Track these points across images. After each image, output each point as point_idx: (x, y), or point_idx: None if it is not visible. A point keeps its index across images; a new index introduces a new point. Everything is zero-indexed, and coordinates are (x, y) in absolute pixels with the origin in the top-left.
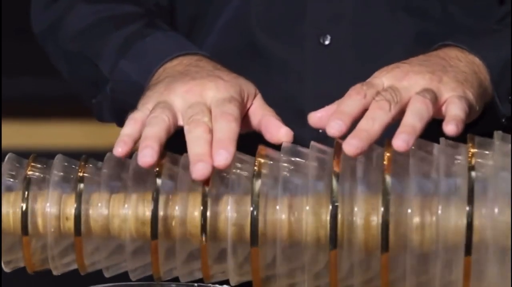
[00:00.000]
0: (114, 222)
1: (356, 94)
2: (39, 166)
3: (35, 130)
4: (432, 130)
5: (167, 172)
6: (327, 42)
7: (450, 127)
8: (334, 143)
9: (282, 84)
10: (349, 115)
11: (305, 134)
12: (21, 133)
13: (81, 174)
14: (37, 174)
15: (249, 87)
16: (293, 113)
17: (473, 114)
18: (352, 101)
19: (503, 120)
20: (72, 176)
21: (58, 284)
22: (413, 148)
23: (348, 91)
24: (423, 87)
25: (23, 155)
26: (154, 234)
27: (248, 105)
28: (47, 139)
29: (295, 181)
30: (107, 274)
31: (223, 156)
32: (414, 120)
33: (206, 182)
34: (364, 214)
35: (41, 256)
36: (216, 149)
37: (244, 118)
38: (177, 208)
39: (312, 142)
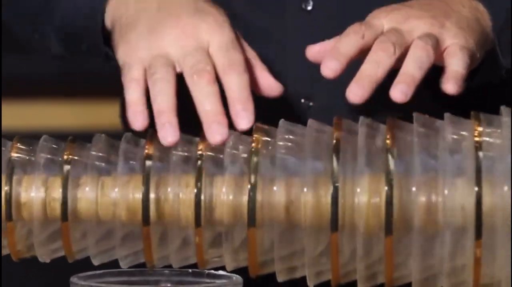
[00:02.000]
0: (103, 206)
1: (354, 33)
2: (24, 147)
3: (19, 111)
4: (436, 105)
5: (157, 153)
6: (309, 8)
7: (449, 87)
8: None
9: (262, 53)
10: (345, 56)
11: (285, 107)
12: (5, 114)
13: (68, 156)
14: (21, 156)
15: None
16: None
17: (473, 62)
18: (349, 40)
19: (503, 73)
20: (59, 158)
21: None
22: (417, 124)
23: (346, 30)
24: (424, 31)
25: (7, 136)
26: (146, 218)
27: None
28: (33, 120)
29: (293, 160)
30: (95, 262)
31: (247, 118)
32: (413, 68)
33: (199, 158)
34: (366, 195)
35: (27, 243)
36: (237, 110)
37: None
38: (169, 190)
39: (310, 120)
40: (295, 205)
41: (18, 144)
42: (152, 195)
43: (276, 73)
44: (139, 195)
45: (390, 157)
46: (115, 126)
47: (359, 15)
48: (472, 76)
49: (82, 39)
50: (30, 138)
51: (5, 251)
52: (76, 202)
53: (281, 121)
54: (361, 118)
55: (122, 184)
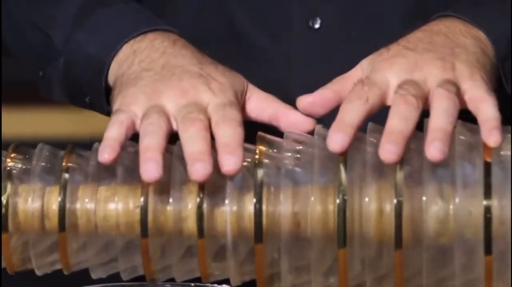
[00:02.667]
0: (102, 216)
1: (357, 98)
2: (21, 156)
3: (16, 118)
4: None
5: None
6: (317, 26)
7: (494, 138)
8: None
9: (267, 74)
10: (352, 126)
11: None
12: (17, 116)
13: (66, 165)
14: (18, 165)
15: (239, 83)
16: None
17: None
18: (353, 107)
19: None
20: (56, 167)
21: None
22: (427, 132)
23: (348, 95)
24: (439, 78)
25: (3, 144)
26: (145, 230)
27: (242, 101)
28: (30, 127)
29: (299, 170)
30: (94, 275)
31: (232, 160)
32: (444, 123)
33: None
34: (375, 206)
35: (22, 255)
36: (223, 154)
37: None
38: (170, 200)
39: (317, 127)
40: (301, 217)
41: (14, 152)
42: (151, 205)
43: (280, 96)
44: (138, 206)
45: (399, 166)
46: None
47: (369, 35)
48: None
49: (85, 92)
50: (26, 146)
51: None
52: (75, 213)
53: (287, 131)
54: (370, 125)
55: (122, 194)
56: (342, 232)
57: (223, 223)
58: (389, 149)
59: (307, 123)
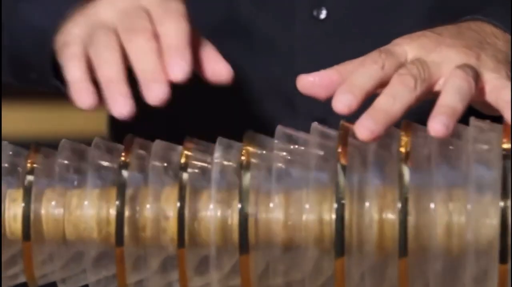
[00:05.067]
0: (71, 223)
1: (372, 63)
2: None
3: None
4: None
5: (135, 161)
6: (322, 16)
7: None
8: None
9: (268, 67)
10: (362, 89)
11: (296, 127)
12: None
13: (30, 165)
14: None
15: None
16: (281, 102)
17: None
18: (367, 71)
19: None
20: (19, 168)
21: None
22: None
23: (362, 58)
24: (458, 63)
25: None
26: (120, 238)
27: None
28: (19, 125)
29: (292, 173)
30: None
31: (180, 66)
32: (454, 100)
33: (183, 167)
34: (377, 212)
35: None
36: (170, 58)
37: None
38: (148, 206)
39: (314, 124)
40: (294, 225)
41: None
42: (127, 211)
43: (282, 90)
44: (112, 211)
45: (405, 167)
46: (85, 131)
47: (380, 29)
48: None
49: (30, 67)
50: None
51: None
52: (40, 219)
53: (279, 127)
54: None
55: (93, 198)
56: (340, 241)
57: (206, 231)
58: (366, 124)
59: (224, 73)
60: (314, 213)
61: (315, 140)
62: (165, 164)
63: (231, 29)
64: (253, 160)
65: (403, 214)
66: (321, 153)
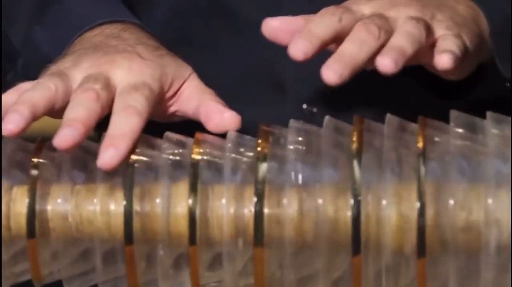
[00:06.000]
0: (78, 220)
1: (330, 15)
2: None
3: None
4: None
5: (143, 158)
6: None
7: (443, 58)
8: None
9: (256, 50)
10: (319, 38)
11: (285, 113)
12: None
13: (36, 160)
14: None
15: (176, 69)
16: (270, 87)
17: (466, 66)
18: (324, 21)
19: (508, 84)
20: (25, 163)
21: None
22: (454, 124)
23: (319, 12)
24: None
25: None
26: (129, 236)
27: (172, 91)
28: None
29: (307, 167)
30: None
31: (109, 154)
32: (404, 41)
33: (194, 162)
34: (394, 208)
35: None
36: (104, 145)
37: (173, 105)
38: (157, 201)
39: (328, 118)
40: (308, 220)
41: None
42: (136, 208)
43: (271, 75)
44: (120, 208)
45: (422, 163)
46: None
47: None
48: (467, 91)
49: None
50: None
51: None
52: (46, 216)
53: (292, 121)
54: (388, 116)
55: (102, 194)
56: (356, 237)
57: (218, 227)
58: (333, 67)
59: (230, 121)
60: (328, 208)
61: (329, 135)
62: (176, 158)
63: (217, 10)
64: (268, 153)
65: (421, 211)
66: (337, 147)
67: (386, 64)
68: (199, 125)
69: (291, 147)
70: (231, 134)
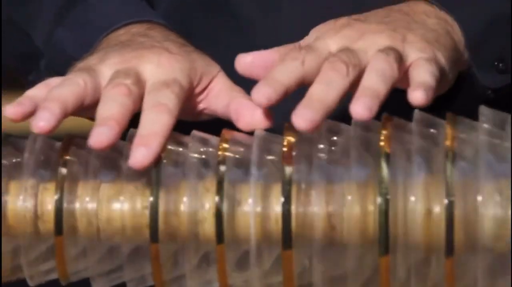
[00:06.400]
0: (105, 218)
1: (292, 59)
2: (10, 148)
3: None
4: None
5: (170, 155)
6: None
7: (417, 94)
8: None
9: (252, 47)
10: (282, 84)
11: (281, 109)
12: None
13: (63, 158)
14: (7, 158)
15: (204, 66)
16: None
17: (444, 83)
18: (285, 66)
19: (489, 92)
20: (52, 161)
21: None
22: (483, 120)
23: (283, 54)
24: (383, 46)
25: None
26: (155, 235)
27: (201, 88)
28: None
29: (334, 165)
30: (96, 286)
31: (141, 153)
32: (376, 82)
33: (221, 160)
34: (422, 206)
35: (13, 262)
36: (135, 144)
37: (202, 103)
38: (184, 200)
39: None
40: (336, 219)
41: (4, 145)
42: (163, 206)
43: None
44: (147, 205)
45: (450, 159)
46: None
47: (369, 9)
48: (448, 102)
49: None
50: (16, 137)
51: None
52: (73, 213)
53: None
54: (416, 113)
55: (128, 192)
56: (384, 237)
57: (245, 226)
58: (303, 114)
59: (262, 120)
60: (356, 206)
61: (357, 132)
62: (203, 157)
63: (217, 9)
64: (294, 152)
65: (449, 209)
66: (364, 145)
67: (359, 112)
68: (219, 126)
69: (319, 145)
70: (259, 133)
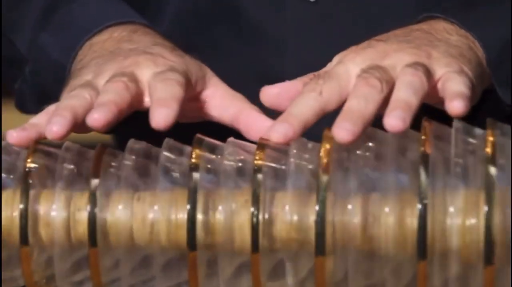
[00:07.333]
0: (140, 228)
1: (308, 91)
2: (43, 156)
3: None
4: None
5: (205, 163)
6: None
7: (455, 104)
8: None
9: (257, 54)
10: (300, 119)
11: None
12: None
13: (96, 167)
14: (40, 166)
15: (198, 70)
16: None
17: (473, 98)
18: (303, 100)
19: (508, 110)
20: (85, 170)
21: None
22: None
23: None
24: (410, 62)
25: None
26: (192, 243)
27: (196, 91)
28: None
29: (371, 173)
30: None
31: (163, 112)
32: (407, 94)
33: (257, 168)
34: (461, 215)
35: (46, 273)
36: (154, 107)
37: (198, 108)
38: (220, 208)
39: None
40: (374, 228)
41: (36, 152)
42: (199, 215)
43: (273, 76)
44: (183, 215)
45: (491, 168)
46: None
47: (374, 12)
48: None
49: (51, 95)
50: (49, 145)
51: (18, 283)
52: (107, 223)
53: None
54: (455, 121)
55: (163, 201)
56: (422, 244)
57: (281, 235)
58: (344, 126)
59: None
60: (394, 215)
61: (394, 140)
62: (239, 164)
63: (219, 14)
64: (331, 160)
65: (489, 218)
66: (401, 153)
67: (393, 124)
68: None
69: (356, 153)
70: (297, 140)
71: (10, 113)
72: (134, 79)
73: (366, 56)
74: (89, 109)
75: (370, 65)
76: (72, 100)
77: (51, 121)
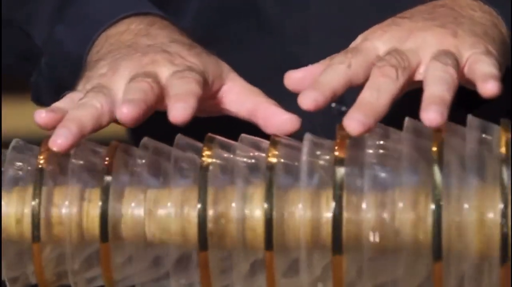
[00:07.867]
0: (152, 225)
1: (338, 63)
2: (55, 153)
3: (17, 111)
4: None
5: (217, 160)
6: None
7: (488, 86)
8: None
9: (280, 45)
10: (329, 88)
11: (310, 113)
12: (23, 112)
13: (109, 163)
14: (52, 163)
15: (216, 67)
16: None
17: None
18: (332, 70)
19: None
20: (97, 166)
21: None
22: None
23: (329, 59)
24: (435, 47)
25: (31, 141)
26: (203, 241)
27: (214, 89)
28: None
29: (385, 171)
30: None
31: (181, 107)
32: (440, 89)
33: (270, 165)
34: (477, 214)
35: (57, 269)
36: (173, 102)
37: (216, 104)
38: (233, 205)
39: (408, 120)
40: (388, 225)
41: (48, 149)
42: (210, 212)
43: (296, 68)
44: (194, 212)
45: (505, 166)
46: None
47: (397, 3)
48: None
49: (68, 88)
50: None
51: (29, 281)
52: (119, 220)
53: None
54: (469, 118)
55: (176, 198)
56: (437, 243)
57: (295, 232)
58: (356, 117)
59: (290, 124)
60: (409, 213)
61: (409, 137)
62: (252, 161)
63: (240, 8)
64: (346, 156)
65: (504, 216)
66: (416, 149)
67: (431, 119)
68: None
69: (370, 151)
70: (308, 137)
71: (10, 109)
72: (157, 81)
73: (391, 35)
74: (99, 118)
75: (389, 49)
76: (80, 110)
77: (56, 133)
